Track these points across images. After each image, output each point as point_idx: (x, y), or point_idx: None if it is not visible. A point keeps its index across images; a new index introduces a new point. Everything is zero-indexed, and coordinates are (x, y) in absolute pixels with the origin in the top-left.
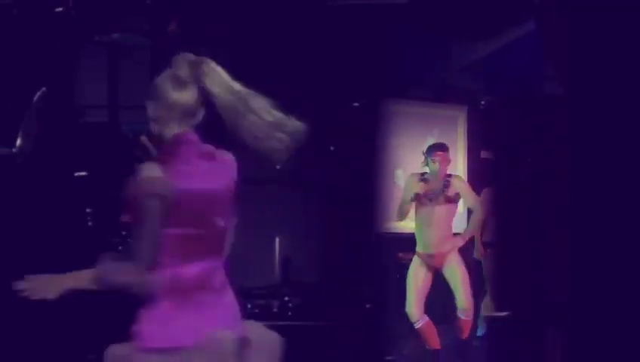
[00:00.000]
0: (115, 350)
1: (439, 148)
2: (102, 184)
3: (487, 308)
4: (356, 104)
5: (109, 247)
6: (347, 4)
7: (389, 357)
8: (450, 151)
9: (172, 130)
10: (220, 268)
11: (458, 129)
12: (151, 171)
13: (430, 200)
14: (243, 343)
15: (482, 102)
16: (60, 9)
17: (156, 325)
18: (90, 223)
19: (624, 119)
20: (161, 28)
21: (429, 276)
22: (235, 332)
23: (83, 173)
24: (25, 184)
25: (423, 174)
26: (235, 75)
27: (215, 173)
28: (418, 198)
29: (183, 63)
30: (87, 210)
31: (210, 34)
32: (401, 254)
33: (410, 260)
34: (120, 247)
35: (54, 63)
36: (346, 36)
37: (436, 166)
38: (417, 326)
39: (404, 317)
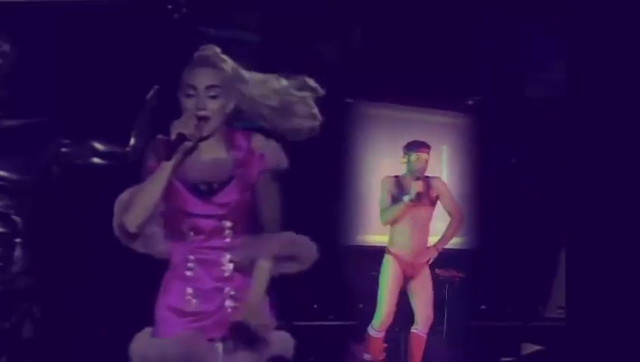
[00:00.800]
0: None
1: (423, 145)
2: None
3: None
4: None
5: None
6: None
7: (506, 359)
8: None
9: None
10: None
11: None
12: None
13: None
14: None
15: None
16: (171, 6)
17: None
18: None
19: (624, 119)
20: (270, 24)
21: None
22: None
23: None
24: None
25: (396, 177)
26: (353, 69)
27: None
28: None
29: None
30: None
31: (320, 30)
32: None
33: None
34: None
35: (166, 60)
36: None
37: (420, 163)
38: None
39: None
